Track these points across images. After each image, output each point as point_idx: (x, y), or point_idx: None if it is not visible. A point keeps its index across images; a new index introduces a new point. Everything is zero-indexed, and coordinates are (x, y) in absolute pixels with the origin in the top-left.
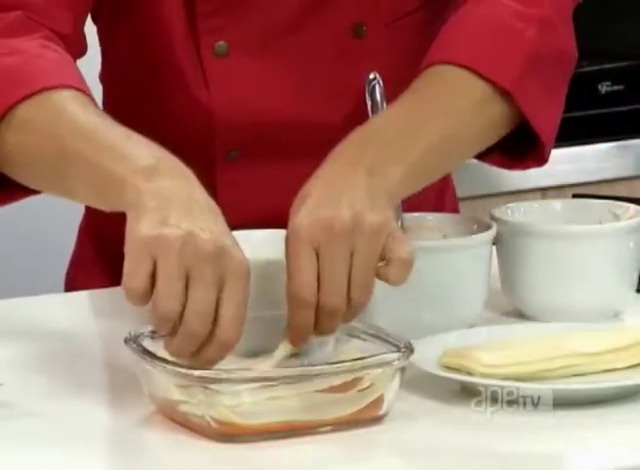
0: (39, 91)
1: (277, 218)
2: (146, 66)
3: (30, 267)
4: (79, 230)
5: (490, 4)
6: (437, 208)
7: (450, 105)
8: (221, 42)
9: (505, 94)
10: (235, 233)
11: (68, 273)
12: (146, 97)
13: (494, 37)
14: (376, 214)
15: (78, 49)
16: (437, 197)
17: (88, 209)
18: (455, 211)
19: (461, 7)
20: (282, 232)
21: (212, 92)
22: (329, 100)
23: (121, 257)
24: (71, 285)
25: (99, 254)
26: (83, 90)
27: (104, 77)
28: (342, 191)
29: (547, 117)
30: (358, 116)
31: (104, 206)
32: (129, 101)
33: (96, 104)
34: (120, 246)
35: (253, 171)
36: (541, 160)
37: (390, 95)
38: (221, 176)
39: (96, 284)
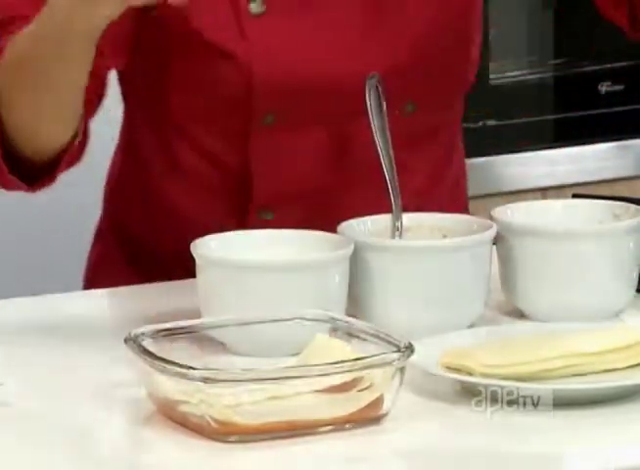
0: None
1: (309, 187)
2: (181, 33)
3: (41, 267)
4: (99, 232)
5: None
6: (453, 196)
7: None
8: (257, 1)
9: None
10: (235, 233)
11: (87, 274)
12: (180, 64)
13: None
14: None
15: None
16: (454, 186)
17: (109, 210)
18: (465, 201)
19: None
20: (286, 232)
21: (252, 51)
22: (365, 57)
23: (148, 255)
24: (94, 286)
25: (126, 253)
26: None
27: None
28: None
29: None
30: (396, 77)
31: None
32: (162, 68)
33: None
34: (146, 245)
35: (288, 138)
36: None
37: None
38: (256, 143)
39: (122, 284)
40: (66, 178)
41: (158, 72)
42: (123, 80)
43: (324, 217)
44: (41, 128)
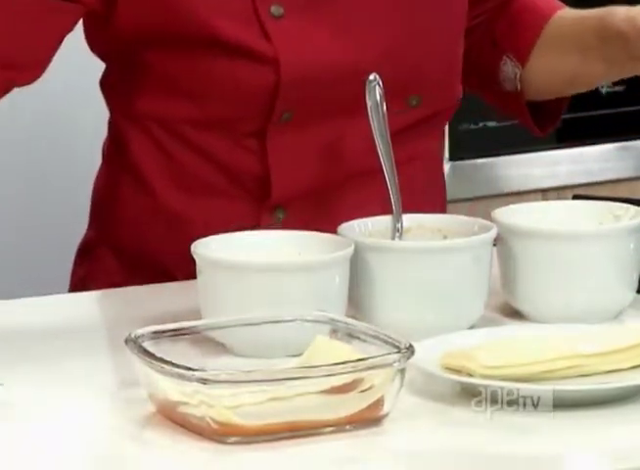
0: None
1: (325, 184)
2: (203, 37)
3: (35, 268)
4: (86, 248)
5: None
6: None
7: None
8: (276, 6)
9: None
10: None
11: (73, 287)
12: (192, 73)
13: None
14: None
15: None
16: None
17: (107, 222)
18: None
19: None
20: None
21: (277, 50)
22: (382, 53)
23: (143, 266)
24: (82, 285)
25: (121, 266)
26: None
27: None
28: None
29: None
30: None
31: None
32: (168, 77)
33: None
34: (144, 257)
35: (304, 135)
36: None
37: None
38: (273, 142)
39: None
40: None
41: (163, 82)
42: (110, 91)
43: (332, 215)
44: None
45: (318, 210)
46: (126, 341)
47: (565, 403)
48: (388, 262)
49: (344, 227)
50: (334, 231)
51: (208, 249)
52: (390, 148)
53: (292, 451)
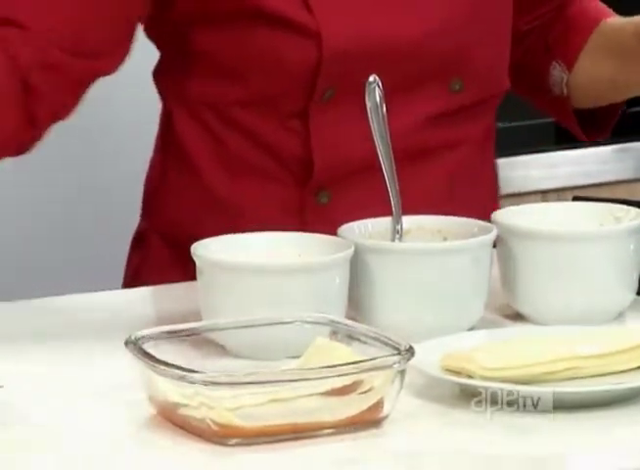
0: None
1: (370, 165)
2: (246, 10)
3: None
4: (139, 236)
5: None
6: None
7: None
8: None
9: None
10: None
11: (127, 281)
12: (237, 50)
13: None
14: None
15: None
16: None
17: (158, 210)
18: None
19: None
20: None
21: (319, 21)
22: (427, 30)
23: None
24: (135, 282)
25: (173, 255)
26: None
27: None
28: None
29: None
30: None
31: None
32: (213, 56)
33: None
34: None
35: (345, 113)
36: None
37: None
38: (315, 121)
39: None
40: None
41: (210, 63)
42: (162, 79)
43: (380, 197)
44: None
45: (365, 192)
46: (126, 343)
47: (565, 405)
48: (387, 264)
49: (344, 229)
50: (383, 213)
51: (208, 250)
52: (390, 149)
53: (292, 453)
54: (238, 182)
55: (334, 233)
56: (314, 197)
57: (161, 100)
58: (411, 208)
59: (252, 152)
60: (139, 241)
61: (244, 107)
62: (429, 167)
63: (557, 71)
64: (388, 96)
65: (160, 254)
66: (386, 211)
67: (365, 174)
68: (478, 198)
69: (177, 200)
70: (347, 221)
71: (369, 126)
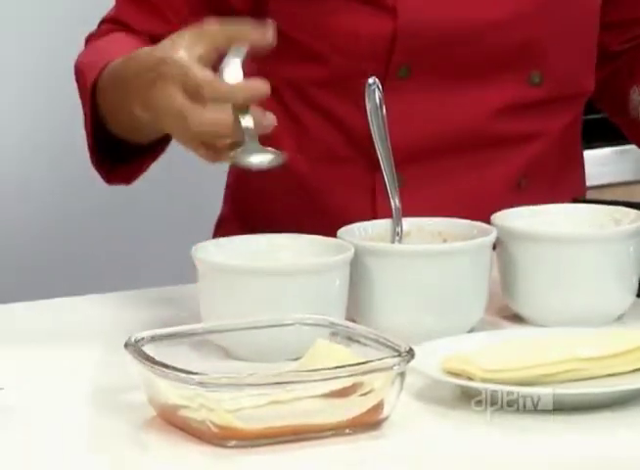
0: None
1: (445, 148)
2: None
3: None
4: (221, 221)
5: None
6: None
7: None
8: None
9: None
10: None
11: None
12: (313, 16)
13: None
14: None
15: None
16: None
17: (238, 196)
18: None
19: None
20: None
21: None
22: (513, 7)
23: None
24: None
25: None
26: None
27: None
28: None
29: None
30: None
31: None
32: (296, 20)
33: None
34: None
35: (420, 93)
36: None
37: None
38: (389, 99)
39: None
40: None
41: (288, 40)
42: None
43: (453, 182)
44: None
45: (436, 178)
46: (126, 344)
47: (564, 407)
48: (387, 266)
49: (344, 231)
50: (454, 200)
51: (208, 252)
52: (390, 152)
53: (292, 455)
54: (315, 163)
55: (406, 216)
56: (382, 178)
57: None
58: (468, 196)
59: (329, 132)
60: (218, 227)
61: (321, 86)
62: (496, 158)
63: (636, 96)
64: (461, 81)
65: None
66: (458, 199)
67: (438, 158)
68: (552, 196)
69: (258, 183)
70: (419, 208)
71: (369, 128)
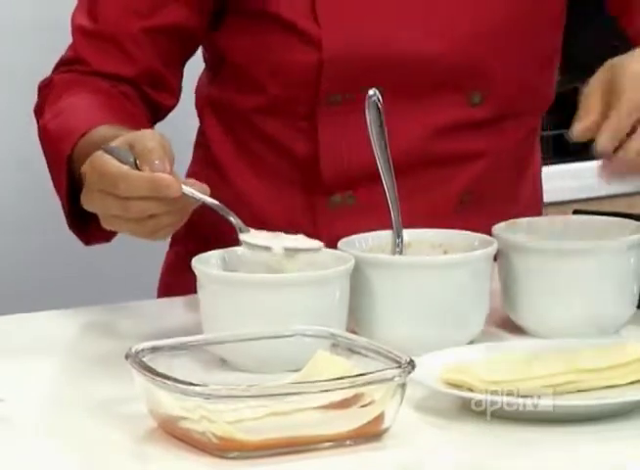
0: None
1: (374, 171)
2: (256, 14)
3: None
4: (175, 234)
5: None
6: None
7: None
8: None
9: None
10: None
11: (161, 281)
12: (251, 44)
13: None
14: None
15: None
16: (533, 188)
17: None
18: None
19: None
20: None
21: (322, 28)
22: (438, 37)
23: None
24: (166, 292)
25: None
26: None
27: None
28: None
29: None
30: (459, 56)
31: None
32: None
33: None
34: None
35: (354, 118)
36: None
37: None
38: (323, 125)
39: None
40: None
41: (232, 69)
42: (199, 86)
43: (384, 209)
44: None
45: (371, 199)
46: (127, 356)
47: (565, 418)
48: (388, 277)
49: (345, 242)
50: (386, 223)
51: (209, 264)
52: (391, 163)
53: (293, 466)
54: (259, 183)
55: (343, 237)
56: (324, 201)
57: (196, 109)
58: (412, 218)
59: (271, 155)
60: (174, 239)
61: (264, 114)
62: (441, 178)
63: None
64: (395, 105)
65: (186, 255)
66: (388, 221)
67: (372, 182)
68: (503, 211)
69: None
70: (354, 227)
71: (369, 139)
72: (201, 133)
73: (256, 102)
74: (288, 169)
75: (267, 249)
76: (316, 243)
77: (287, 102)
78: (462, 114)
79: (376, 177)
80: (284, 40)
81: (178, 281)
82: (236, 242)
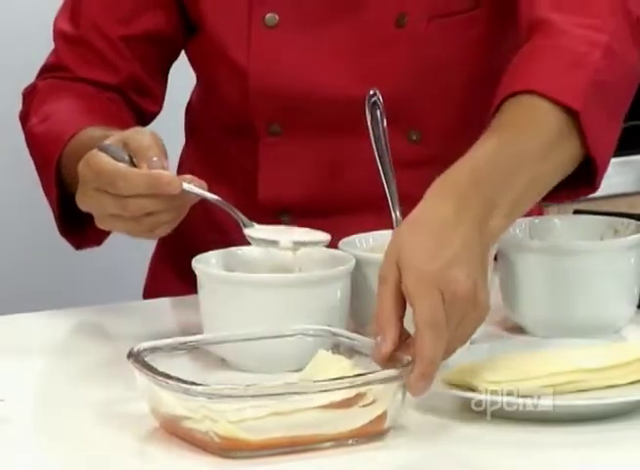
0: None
1: (314, 196)
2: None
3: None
4: (160, 239)
5: (557, 35)
6: None
7: (536, 143)
8: (272, 14)
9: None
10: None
11: (146, 283)
12: (206, 69)
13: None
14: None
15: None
16: None
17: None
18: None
19: (528, 41)
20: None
21: (252, 59)
22: (365, 81)
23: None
24: (150, 295)
25: (175, 266)
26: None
27: None
28: (458, 249)
29: (606, 145)
30: (395, 102)
31: None
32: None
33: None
34: (189, 249)
35: (295, 148)
36: (592, 187)
37: (416, 96)
38: (263, 150)
39: (175, 292)
40: None
41: (201, 83)
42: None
43: (336, 234)
44: None
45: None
46: (129, 356)
47: (565, 418)
48: None
49: (346, 242)
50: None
51: (209, 264)
52: (391, 162)
53: (295, 466)
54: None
55: None
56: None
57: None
58: None
59: (238, 178)
60: (158, 244)
61: (224, 135)
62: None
63: None
64: (334, 138)
65: (166, 261)
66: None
67: (307, 209)
68: None
69: (184, 224)
70: None
71: (369, 140)
72: (183, 154)
73: (218, 123)
74: (240, 180)
75: (275, 243)
76: (324, 235)
77: (236, 128)
78: (402, 149)
79: (308, 209)
80: (227, 68)
81: (160, 282)
82: (211, 241)
